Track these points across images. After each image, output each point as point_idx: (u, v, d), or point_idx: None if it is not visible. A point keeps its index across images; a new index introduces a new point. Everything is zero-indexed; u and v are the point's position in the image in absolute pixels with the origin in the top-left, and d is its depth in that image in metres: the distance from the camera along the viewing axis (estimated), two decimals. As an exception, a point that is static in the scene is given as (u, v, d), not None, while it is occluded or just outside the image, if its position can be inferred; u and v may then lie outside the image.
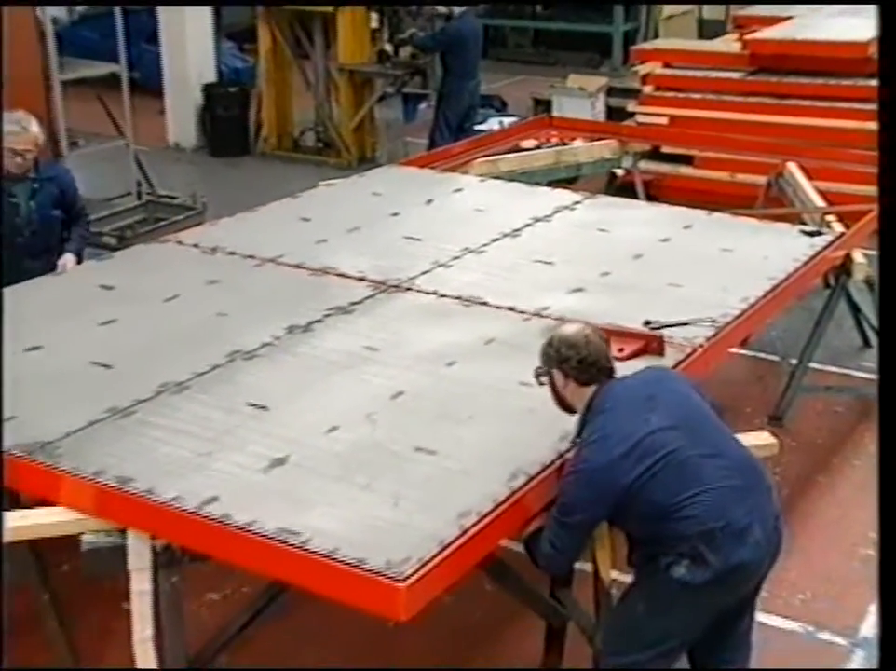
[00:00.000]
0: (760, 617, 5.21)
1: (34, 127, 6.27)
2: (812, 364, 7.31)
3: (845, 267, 7.06)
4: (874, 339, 7.97)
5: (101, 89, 11.43)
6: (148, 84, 14.13)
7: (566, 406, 4.18)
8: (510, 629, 5.31)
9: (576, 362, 4.03)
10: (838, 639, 5.15)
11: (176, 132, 13.82)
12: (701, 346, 5.15)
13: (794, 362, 7.32)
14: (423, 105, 14.40)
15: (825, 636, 5.18)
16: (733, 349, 7.69)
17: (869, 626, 5.21)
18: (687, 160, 10.80)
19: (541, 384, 4.21)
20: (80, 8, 19.29)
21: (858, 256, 7.02)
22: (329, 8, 12.55)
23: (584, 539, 4.04)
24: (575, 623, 4.81)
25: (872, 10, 10.68)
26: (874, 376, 7.38)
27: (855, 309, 7.99)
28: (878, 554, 3.03)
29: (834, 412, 7.37)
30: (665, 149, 10.57)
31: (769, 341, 7.98)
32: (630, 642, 4.07)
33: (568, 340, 4.07)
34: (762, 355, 8.00)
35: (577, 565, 4.88)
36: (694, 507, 3.80)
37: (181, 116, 13.80)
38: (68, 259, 6.48)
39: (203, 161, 13.27)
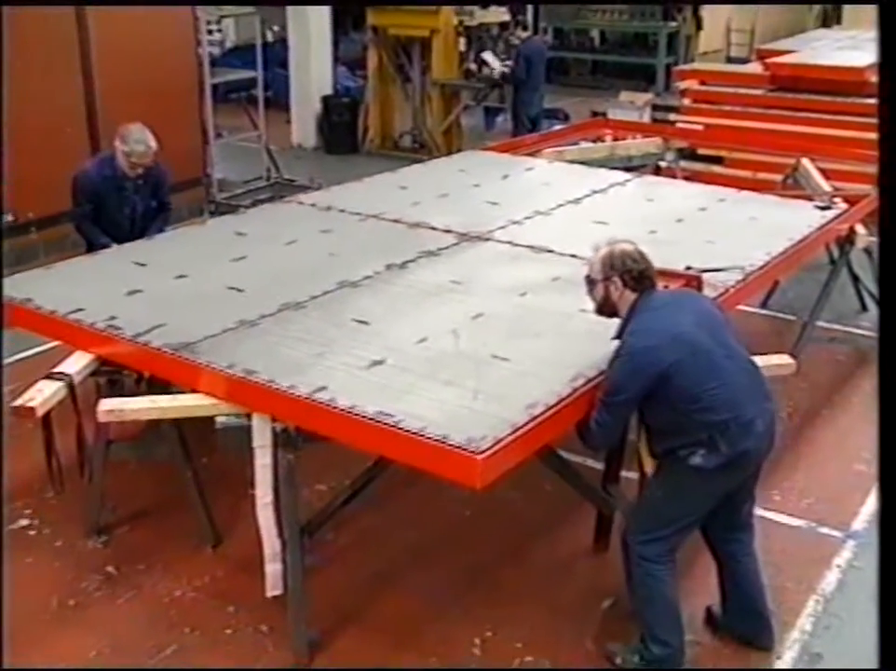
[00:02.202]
0: (773, 516, 5.24)
1: (153, 142, 5.90)
2: (820, 323, 7.22)
3: (849, 238, 6.90)
4: (870, 304, 7.86)
5: (245, 104, 11.84)
6: (278, 100, 14.20)
7: (611, 311, 4.01)
8: (566, 522, 5.15)
9: (637, 273, 3.91)
10: (835, 532, 5.10)
11: (299, 135, 13.74)
12: (732, 286, 5.00)
13: (805, 319, 7.18)
14: (500, 118, 14.23)
15: (824, 530, 5.13)
16: (758, 311, 7.65)
17: (859, 522, 5.19)
18: (718, 161, 10.54)
19: (591, 290, 4.04)
20: (228, 44, 19.44)
21: (860, 228, 6.89)
22: (426, 34, 12.43)
23: (622, 418, 3.91)
24: (621, 512, 4.65)
25: (870, 45, 10.96)
26: (869, 333, 7.47)
27: (855, 279, 7.88)
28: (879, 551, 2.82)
29: (837, 360, 7.25)
30: (701, 151, 10.31)
31: (786, 303, 7.91)
32: (652, 521, 3.97)
33: (632, 255, 3.95)
34: (780, 315, 7.94)
35: (623, 472, 4.76)
36: (713, 399, 3.72)
37: (303, 122, 13.72)
38: None
39: (320, 157, 13.20)
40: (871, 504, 5.29)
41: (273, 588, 4.18)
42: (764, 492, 5.27)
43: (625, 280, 3.92)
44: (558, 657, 4.23)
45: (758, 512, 5.04)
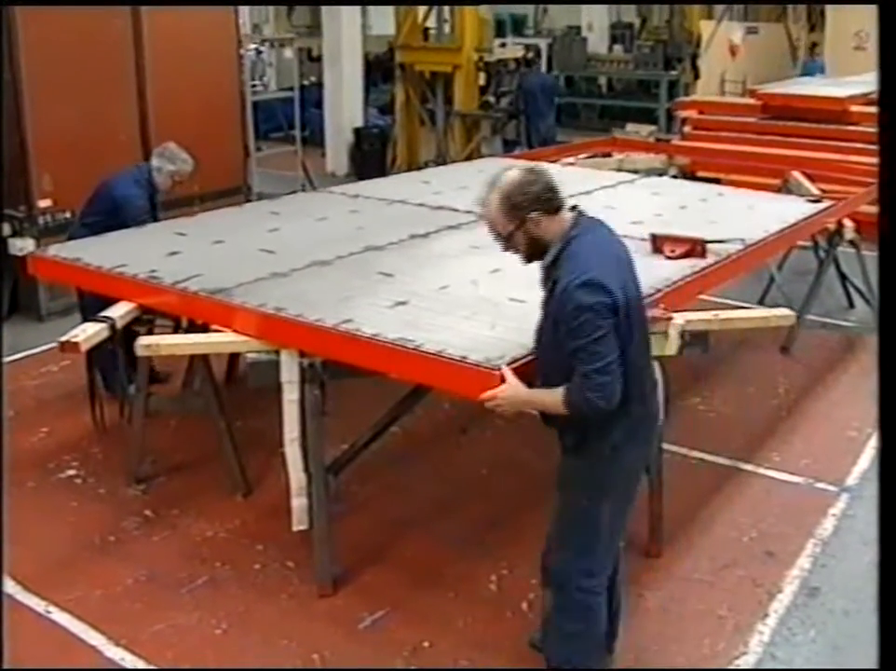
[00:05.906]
0: (774, 474, 5.10)
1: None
2: (811, 317, 7.03)
3: (838, 230, 6.75)
4: (857, 300, 7.64)
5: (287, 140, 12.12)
6: (314, 137, 14.18)
7: (540, 250, 3.02)
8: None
9: (547, 196, 2.96)
10: (830, 487, 4.94)
11: (333, 164, 13.64)
12: (734, 255, 4.83)
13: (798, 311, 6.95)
14: (517, 151, 14.13)
15: (821, 485, 4.96)
16: (755, 307, 7.48)
17: (851, 479, 5.02)
18: (717, 182, 10.39)
19: (509, 245, 3.05)
20: (271, 90, 19.57)
21: (847, 222, 6.75)
22: (449, 69, 12.38)
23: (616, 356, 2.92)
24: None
25: (847, 84, 11.04)
26: (855, 325, 7.31)
27: (843, 277, 7.68)
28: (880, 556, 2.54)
29: (827, 345, 7.07)
30: (699, 173, 10.17)
31: (781, 300, 7.66)
32: (589, 535, 3.09)
33: (524, 179, 2.95)
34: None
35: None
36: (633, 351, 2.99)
37: (337, 152, 13.64)
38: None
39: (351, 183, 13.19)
40: (862, 464, 5.14)
41: (298, 523, 4.00)
42: (765, 453, 5.25)
43: (539, 209, 2.95)
44: (570, 592, 4.02)
45: (761, 470, 5.06)
